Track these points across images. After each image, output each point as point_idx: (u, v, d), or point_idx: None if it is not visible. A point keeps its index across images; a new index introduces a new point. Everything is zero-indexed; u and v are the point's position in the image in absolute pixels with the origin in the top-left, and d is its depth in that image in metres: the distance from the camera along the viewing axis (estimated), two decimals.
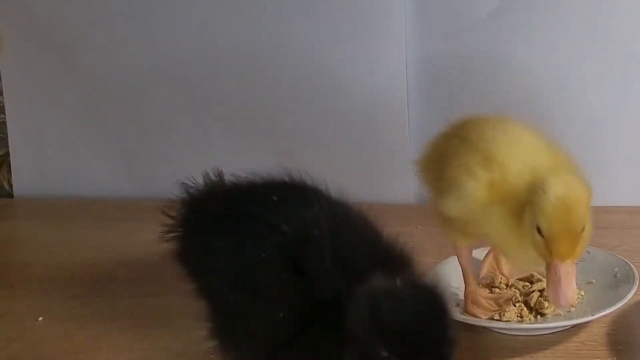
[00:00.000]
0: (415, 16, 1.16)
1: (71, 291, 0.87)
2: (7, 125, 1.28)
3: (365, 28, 1.16)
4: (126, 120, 1.25)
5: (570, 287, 0.62)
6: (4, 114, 1.29)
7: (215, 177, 0.64)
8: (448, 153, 0.74)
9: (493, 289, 0.81)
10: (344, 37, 1.17)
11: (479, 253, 0.89)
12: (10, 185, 1.29)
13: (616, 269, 0.86)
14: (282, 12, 1.19)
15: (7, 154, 1.28)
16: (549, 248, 0.61)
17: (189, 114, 1.24)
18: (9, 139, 1.28)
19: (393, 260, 0.53)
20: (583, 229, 0.61)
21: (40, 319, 0.79)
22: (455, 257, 0.84)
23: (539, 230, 0.61)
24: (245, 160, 1.17)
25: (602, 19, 1.14)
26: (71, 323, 0.77)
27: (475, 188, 0.67)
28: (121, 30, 1.23)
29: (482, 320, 0.73)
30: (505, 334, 0.73)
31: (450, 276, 0.82)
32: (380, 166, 1.18)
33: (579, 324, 0.74)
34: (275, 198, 0.57)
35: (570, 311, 0.77)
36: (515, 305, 0.75)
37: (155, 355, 0.70)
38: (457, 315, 0.72)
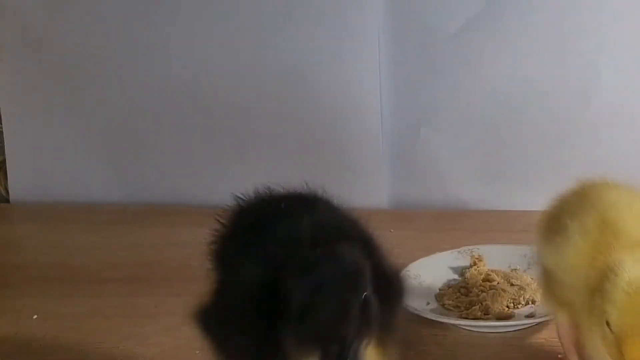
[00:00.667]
0: (389, 30, 1.19)
1: (64, 291, 0.88)
2: (4, 134, 1.30)
3: (341, 43, 1.19)
4: (118, 129, 1.28)
5: None
6: (1, 123, 1.29)
7: (265, 191, 0.59)
8: (566, 208, 0.63)
9: (461, 288, 0.83)
10: (321, 51, 1.20)
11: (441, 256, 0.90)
12: (7, 191, 1.30)
13: None
14: (264, 31, 1.21)
15: (3, 162, 1.30)
16: (619, 348, 0.48)
17: (177, 125, 1.26)
18: (6, 147, 1.30)
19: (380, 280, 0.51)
20: None
21: (35, 317, 0.80)
22: (427, 258, 0.88)
23: (608, 325, 0.48)
24: (225, 167, 1.21)
25: (566, 33, 1.17)
26: (64, 321, 0.79)
27: (577, 240, 0.56)
28: (115, 42, 1.25)
29: (451, 318, 0.75)
30: (473, 330, 0.75)
31: (422, 276, 0.84)
32: (355, 173, 1.21)
33: (543, 322, 0.74)
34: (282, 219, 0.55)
35: (534, 310, 0.78)
36: (482, 304, 0.77)
37: (144, 352, 0.71)
38: (427, 312, 0.75)
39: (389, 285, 0.54)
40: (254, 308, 0.48)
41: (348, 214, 0.59)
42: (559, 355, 0.70)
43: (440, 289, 0.84)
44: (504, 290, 0.80)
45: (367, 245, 0.55)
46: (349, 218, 0.58)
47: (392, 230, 1.03)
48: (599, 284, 0.51)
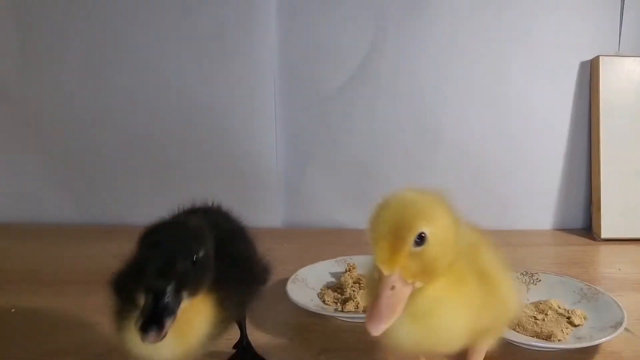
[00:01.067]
0: (282, 91, 1.37)
1: (36, 290, 0.94)
2: None
3: (246, 100, 1.36)
4: (74, 168, 1.39)
5: (384, 311, 0.46)
6: None
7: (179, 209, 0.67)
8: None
9: (338, 289, 0.91)
10: (232, 107, 1.37)
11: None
12: None
13: None
14: (188, 91, 1.37)
15: None
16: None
17: (119, 162, 1.38)
18: None
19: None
20: (420, 241, 0.46)
21: (13, 310, 0.86)
22: (311, 266, 0.96)
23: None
24: (156, 195, 1.34)
25: (417, 94, 1.38)
26: (35, 313, 0.85)
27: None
28: (74, 90, 1.36)
29: (330, 311, 0.83)
30: (347, 321, 0.82)
31: (307, 279, 0.93)
32: (257, 200, 1.37)
33: None
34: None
35: None
36: (354, 301, 0.85)
37: (96, 337, 0.77)
38: (311, 307, 0.82)
39: (250, 269, 0.63)
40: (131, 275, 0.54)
41: (237, 220, 0.69)
42: None
43: (321, 289, 0.92)
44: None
45: (238, 237, 0.65)
46: (234, 222, 0.68)
47: (285, 244, 1.20)
48: None
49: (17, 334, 0.80)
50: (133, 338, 0.50)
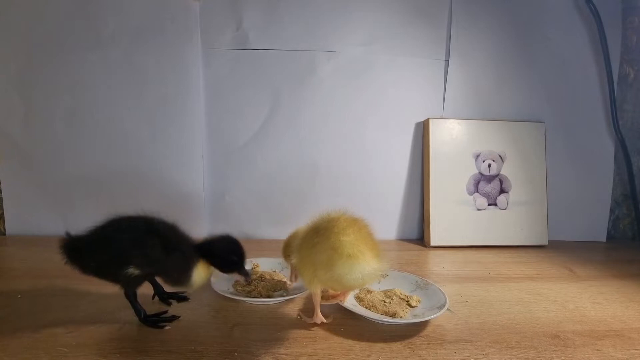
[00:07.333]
0: (208, 144, 1.39)
1: (35, 281, 0.96)
2: (3, 198, 1.39)
3: (182, 153, 1.39)
4: (63, 197, 1.39)
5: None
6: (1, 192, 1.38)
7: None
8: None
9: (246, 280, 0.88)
10: (171, 158, 1.39)
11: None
12: (5, 229, 1.40)
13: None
14: (140, 149, 1.38)
15: (2, 214, 1.41)
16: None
17: (97, 187, 1.39)
18: (4, 206, 1.40)
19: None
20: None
21: (19, 296, 0.89)
22: None
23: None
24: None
25: (305, 138, 1.41)
26: (34, 298, 0.87)
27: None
28: (58, 135, 1.37)
29: (241, 296, 0.83)
30: (253, 303, 0.83)
31: (224, 274, 0.84)
32: (190, 221, 1.34)
33: (289, 299, 0.85)
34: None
35: (284, 292, 0.87)
36: (258, 289, 0.87)
37: (79, 314, 0.79)
38: (228, 293, 0.84)
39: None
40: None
41: (175, 225, 0.76)
42: (297, 315, 0.78)
43: (234, 281, 0.93)
44: (269, 282, 0.90)
45: (177, 236, 0.74)
46: (172, 225, 0.76)
47: None
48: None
49: (22, 312, 0.81)
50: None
